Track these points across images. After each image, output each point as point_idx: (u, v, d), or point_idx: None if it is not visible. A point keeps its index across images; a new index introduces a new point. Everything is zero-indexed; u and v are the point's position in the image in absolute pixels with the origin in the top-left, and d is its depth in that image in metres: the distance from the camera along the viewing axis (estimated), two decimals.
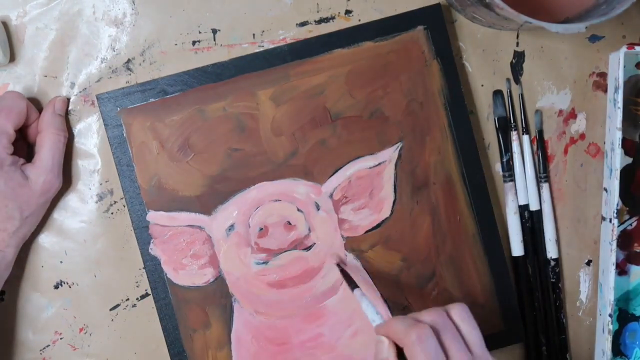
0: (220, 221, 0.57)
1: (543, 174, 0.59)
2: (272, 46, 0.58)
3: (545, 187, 0.60)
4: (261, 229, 0.57)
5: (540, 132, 0.60)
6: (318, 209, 0.58)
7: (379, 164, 0.58)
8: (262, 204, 0.57)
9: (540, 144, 0.60)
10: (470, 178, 0.58)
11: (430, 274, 0.58)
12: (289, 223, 0.57)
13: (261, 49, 0.58)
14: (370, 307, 0.50)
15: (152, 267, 0.57)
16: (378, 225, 0.58)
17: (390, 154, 0.58)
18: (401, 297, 0.58)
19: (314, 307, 0.58)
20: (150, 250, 0.57)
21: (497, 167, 0.60)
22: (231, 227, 0.57)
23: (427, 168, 0.58)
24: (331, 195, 0.58)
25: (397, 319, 0.46)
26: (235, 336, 0.58)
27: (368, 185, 0.58)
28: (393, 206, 0.58)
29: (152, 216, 0.57)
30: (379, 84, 0.58)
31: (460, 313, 0.46)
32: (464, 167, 0.58)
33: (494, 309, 0.59)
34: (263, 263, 0.57)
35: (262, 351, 0.58)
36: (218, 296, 0.57)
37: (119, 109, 0.57)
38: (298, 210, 0.57)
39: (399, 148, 0.58)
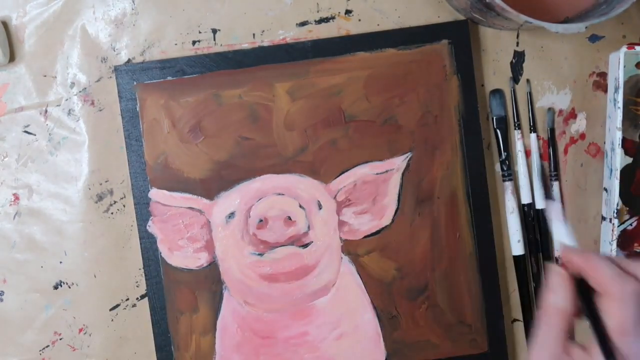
0: (221, 207, 0.57)
1: (553, 172, 0.60)
2: (293, 42, 0.58)
3: (555, 185, 0.60)
4: (261, 220, 0.57)
5: (552, 131, 0.60)
6: (320, 208, 0.57)
7: (387, 171, 0.58)
8: (265, 195, 0.57)
9: (552, 142, 0.60)
10: (475, 197, 0.58)
11: (422, 287, 0.58)
12: (290, 218, 0.57)
13: None
14: (562, 226, 0.44)
15: (148, 244, 0.57)
16: (377, 232, 0.58)
17: (398, 163, 0.58)
18: (391, 307, 0.58)
19: (303, 305, 0.58)
20: (147, 227, 0.57)
21: (498, 167, 0.60)
22: (231, 215, 0.57)
23: (433, 182, 0.58)
24: (335, 196, 0.58)
25: (604, 260, 0.40)
26: (221, 324, 0.58)
27: (373, 191, 0.58)
28: (394, 215, 0.58)
29: (154, 194, 0.57)
30: (396, 91, 0.58)
31: None
32: (469, 186, 0.58)
33: (480, 330, 0.58)
34: (258, 255, 0.57)
35: (246, 342, 0.58)
36: (209, 282, 0.57)
37: (135, 83, 0.57)
38: (300, 206, 0.57)
39: (408, 158, 0.58)
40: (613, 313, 0.39)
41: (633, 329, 0.38)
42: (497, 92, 0.60)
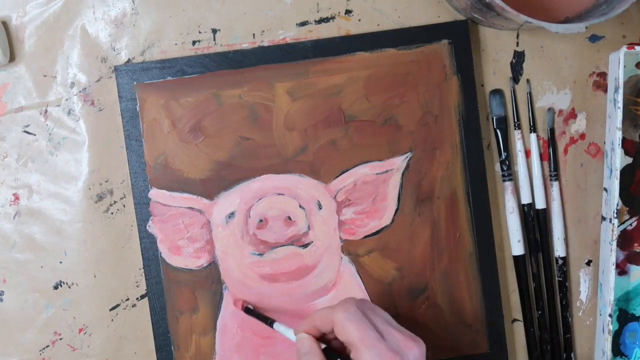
0: (221, 207, 0.57)
1: (553, 172, 0.60)
2: (293, 42, 0.58)
3: (555, 185, 0.60)
4: (261, 220, 0.57)
5: (552, 131, 0.60)
6: (320, 208, 0.57)
7: (387, 171, 0.58)
8: (265, 195, 0.57)
9: (551, 142, 0.60)
10: (475, 197, 0.58)
11: (422, 287, 0.58)
12: (289, 218, 0.57)
13: None
14: (288, 331, 0.52)
15: (148, 244, 0.57)
16: (377, 232, 0.58)
17: (398, 163, 0.58)
18: (391, 306, 0.58)
19: (303, 305, 0.58)
20: (147, 228, 0.57)
21: (498, 167, 0.60)
22: (231, 215, 0.57)
23: (433, 181, 0.58)
24: (335, 196, 0.58)
25: (317, 310, 0.49)
26: (221, 323, 0.58)
27: (373, 191, 0.58)
28: (394, 215, 0.58)
29: (154, 194, 0.57)
30: (396, 91, 0.58)
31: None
32: (469, 186, 0.58)
33: (480, 330, 0.58)
34: (258, 255, 0.57)
35: (245, 342, 0.58)
36: (209, 282, 0.57)
37: (135, 83, 0.57)
38: (300, 206, 0.57)
39: (408, 158, 0.58)
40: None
41: None
42: (497, 92, 0.60)
